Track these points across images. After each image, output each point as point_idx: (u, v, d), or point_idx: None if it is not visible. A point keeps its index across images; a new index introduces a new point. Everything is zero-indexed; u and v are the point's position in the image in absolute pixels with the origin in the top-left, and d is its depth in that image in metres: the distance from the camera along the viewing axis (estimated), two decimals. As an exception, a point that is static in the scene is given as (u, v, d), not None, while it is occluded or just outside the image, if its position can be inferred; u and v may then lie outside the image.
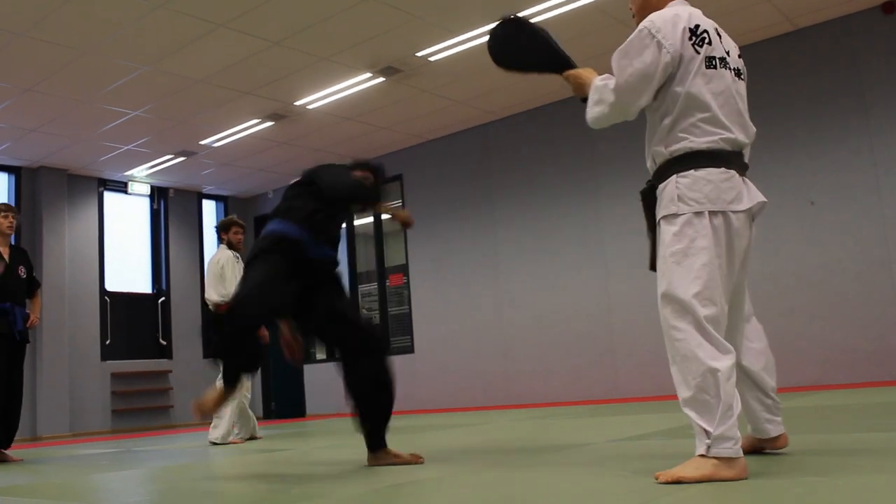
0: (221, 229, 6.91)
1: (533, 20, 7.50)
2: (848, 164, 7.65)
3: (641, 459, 3.17)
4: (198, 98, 8.84)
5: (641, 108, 2.69)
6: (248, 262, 3.80)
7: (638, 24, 2.71)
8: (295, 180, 4.09)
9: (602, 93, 2.73)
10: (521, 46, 3.06)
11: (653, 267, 2.69)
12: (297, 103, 9.22)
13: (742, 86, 2.75)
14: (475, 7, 7.16)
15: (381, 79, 8.63)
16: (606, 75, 2.76)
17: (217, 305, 6.62)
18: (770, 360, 2.83)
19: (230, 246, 6.83)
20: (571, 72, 2.92)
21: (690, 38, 2.60)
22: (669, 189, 2.59)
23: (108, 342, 11.46)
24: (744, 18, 7.59)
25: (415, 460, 3.67)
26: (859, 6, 7.66)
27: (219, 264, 6.71)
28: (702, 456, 2.37)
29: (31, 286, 6.63)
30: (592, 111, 2.76)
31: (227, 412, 6.42)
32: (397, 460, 3.67)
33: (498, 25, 3.13)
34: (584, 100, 2.84)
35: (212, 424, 6.58)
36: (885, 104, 7.50)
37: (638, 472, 2.76)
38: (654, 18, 2.64)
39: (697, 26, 2.63)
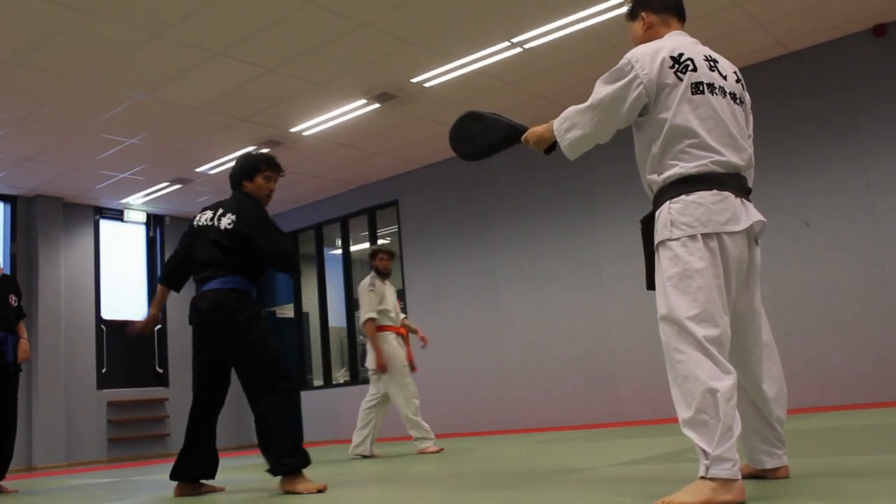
0: (370, 257, 7.11)
1: (528, 45, 7.59)
2: (842, 185, 7.68)
3: (641, 484, 3.16)
4: (194, 126, 8.86)
5: (614, 131, 2.79)
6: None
7: None
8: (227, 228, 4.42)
9: (573, 118, 2.83)
10: (477, 132, 3.22)
11: (650, 286, 2.72)
12: (293, 130, 9.25)
13: (739, 110, 2.78)
14: (469, 33, 7.21)
15: (377, 105, 8.67)
16: (572, 106, 2.84)
17: (363, 323, 6.93)
18: (782, 391, 2.82)
19: (377, 271, 7.01)
20: (527, 133, 3.04)
21: (672, 66, 2.68)
22: (663, 215, 2.64)
23: (104, 370, 11.40)
24: (736, 42, 7.65)
25: (319, 488, 3.94)
26: (850, 29, 7.72)
27: (358, 288, 7.02)
28: (701, 478, 2.36)
29: (19, 315, 6.57)
30: (566, 138, 2.85)
31: (371, 424, 6.78)
32: (302, 488, 3.96)
33: (451, 128, 3.31)
34: (549, 149, 2.97)
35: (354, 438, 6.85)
36: (878, 125, 7.54)
37: (638, 496, 2.74)
38: (636, 50, 2.75)
39: (681, 55, 2.70)
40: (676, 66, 2.67)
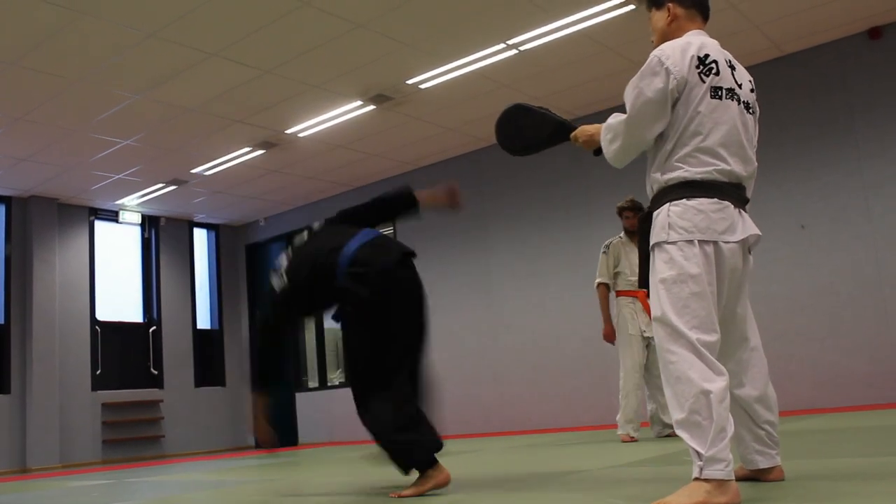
0: (617, 216, 6.50)
1: (524, 47, 7.59)
2: (838, 187, 7.70)
3: (637, 486, 3.16)
4: (189, 127, 8.85)
5: (657, 133, 2.67)
6: None
7: None
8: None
9: (615, 129, 2.76)
10: (525, 126, 3.15)
11: (641, 285, 2.72)
12: (289, 131, 9.24)
13: (750, 119, 2.76)
14: (465, 35, 7.21)
15: (372, 106, 8.66)
16: (616, 114, 2.77)
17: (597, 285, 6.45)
18: (768, 394, 2.77)
19: (625, 231, 6.44)
20: (577, 131, 3.00)
21: (698, 67, 2.62)
22: (662, 217, 2.62)
23: (98, 372, 11.37)
24: (732, 44, 7.60)
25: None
26: (846, 32, 7.74)
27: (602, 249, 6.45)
28: (696, 479, 2.36)
29: None
30: (610, 149, 2.79)
31: (632, 399, 6.03)
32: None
33: (497, 122, 3.22)
34: (598, 151, 2.90)
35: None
36: (874, 127, 7.56)
37: (634, 498, 2.74)
38: (665, 47, 2.67)
39: (707, 55, 2.65)
40: (702, 66, 2.62)
